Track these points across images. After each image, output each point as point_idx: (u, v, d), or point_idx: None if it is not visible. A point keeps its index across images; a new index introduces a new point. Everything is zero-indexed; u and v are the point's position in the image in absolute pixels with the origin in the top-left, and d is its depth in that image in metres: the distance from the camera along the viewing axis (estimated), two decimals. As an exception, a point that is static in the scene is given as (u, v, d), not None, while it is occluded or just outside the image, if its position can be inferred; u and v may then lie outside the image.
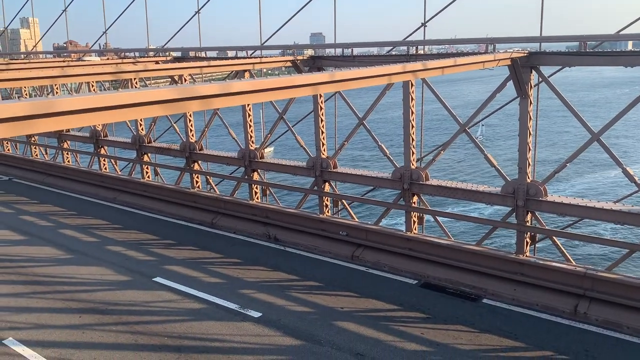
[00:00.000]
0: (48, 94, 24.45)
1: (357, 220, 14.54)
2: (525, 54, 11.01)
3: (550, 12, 12.48)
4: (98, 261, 13.68)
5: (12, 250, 14.60)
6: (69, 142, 22.75)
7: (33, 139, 24.49)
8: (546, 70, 11.46)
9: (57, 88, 22.62)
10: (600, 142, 10.74)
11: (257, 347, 9.61)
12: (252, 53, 16.14)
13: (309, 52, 15.19)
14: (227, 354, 9.35)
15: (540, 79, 11.39)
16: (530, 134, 11.56)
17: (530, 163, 11.66)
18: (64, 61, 19.61)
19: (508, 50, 11.10)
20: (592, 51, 10.72)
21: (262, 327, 10.24)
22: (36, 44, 35.43)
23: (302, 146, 15.06)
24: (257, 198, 16.35)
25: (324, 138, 14.66)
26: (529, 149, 11.57)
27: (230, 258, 13.83)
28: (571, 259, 11.75)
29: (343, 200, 14.90)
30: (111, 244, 14.99)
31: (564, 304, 10.55)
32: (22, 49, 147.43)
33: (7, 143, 26.31)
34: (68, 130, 21.93)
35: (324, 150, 14.68)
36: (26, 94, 25.04)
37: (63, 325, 10.41)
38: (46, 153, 24.51)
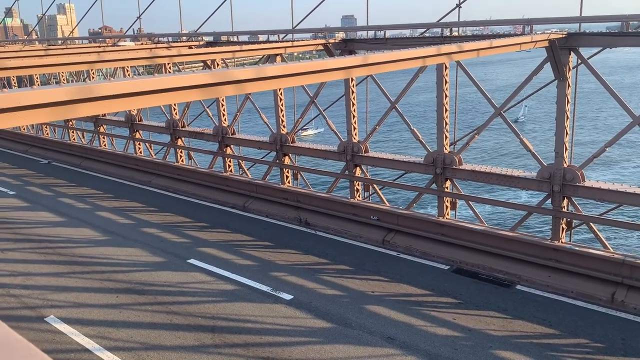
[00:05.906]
0: (85, 79, 24.94)
1: (388, 205, 14.49)
2: (563, 35, 10.70)
3: (591, -9, 12.06)
4: (134, 242, 14.03)
5: (52, 231, 15.09)
6: (105, 126, 23.25)
7: (71, 123, 25.09)
8: (585, 52, 11.12)
9: (93, 73, 23.05)
10: (641, 126, 10.40)
11: (289, 328, 9.74)
12: (284, 37, 16.11)
13: (341, 35, 15.07)
14: (259, 334, 9.51)
15: (579, 61, 11.06)
16: (567, 117, 11.27)
17: (567, 147, 11.38)
18: (99, 46, 19.94)
19: (546, 32, 10.80)
20: (634, 31, 10.33)
21: (293, 309, 10.37)
22: (73, 30, 36.11)
23: (333, 130, 15.03)
24: (289, 182, 16.44)
25: (355, 122, 14.58)
26: (566, 133, 11.29)
27: (262, 241, 13.99)
28: (609, 246, 11.48)
29: (374, 185, 14.84)
30: (146, 226, 15.34)
31: (601, 292, 10.35)
32: (59, 35, 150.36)
33: (46, 127, 27.04)
34: (104, 115, 22.39)
35: (355, 134, 14.62)
36: (64, 80, 25.59)
37: (101, 304, 10.74)
38: (83, 137, 25.08)
